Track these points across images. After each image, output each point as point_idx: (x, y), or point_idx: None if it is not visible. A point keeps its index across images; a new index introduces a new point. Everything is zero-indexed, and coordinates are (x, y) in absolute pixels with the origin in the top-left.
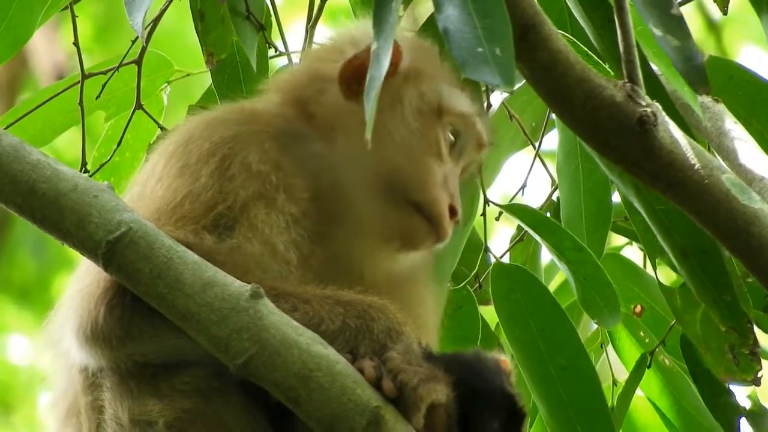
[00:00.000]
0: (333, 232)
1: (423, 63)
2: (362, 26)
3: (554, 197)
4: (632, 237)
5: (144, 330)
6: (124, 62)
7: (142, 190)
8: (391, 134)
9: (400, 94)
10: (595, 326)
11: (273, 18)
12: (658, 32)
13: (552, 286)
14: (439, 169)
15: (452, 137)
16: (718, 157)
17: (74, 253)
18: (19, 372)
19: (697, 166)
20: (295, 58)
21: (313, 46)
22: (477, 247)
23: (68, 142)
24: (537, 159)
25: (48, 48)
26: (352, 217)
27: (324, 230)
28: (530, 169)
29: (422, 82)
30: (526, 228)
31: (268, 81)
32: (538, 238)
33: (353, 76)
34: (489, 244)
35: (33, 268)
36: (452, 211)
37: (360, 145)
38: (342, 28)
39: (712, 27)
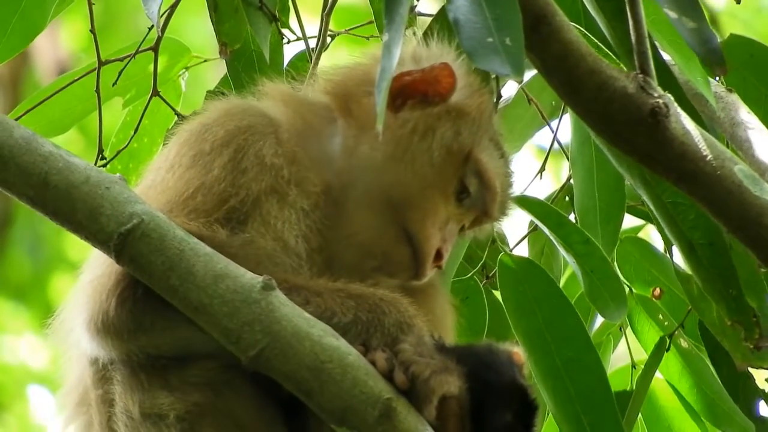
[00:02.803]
0: (333, 230)
1: (473, 107)
2: (431, 45)
3: (572, 181)
4: (649, 220)
5: (155, 322)
6: (140, 49)
7: (155, 178)
8: (412, 159)
9: (436, 124)
10: None
11: (290, 3)
12: (673, 15)
13: (565, 276)
14: (444, 211)
15: (468, 189)
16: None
17: (71, 253)
18: (13, 371)
19: (709, 157)
20: (312, 44)
21: (327, 35)
22: (497, 236)
23: (72, 139)
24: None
25: (50, 45)
26: (348, 222)
27: (329, 225)
28: (549, 151)
29: (464, 122)
30: (535, 220)
31: (323, 67)
32: (546, 230)
33: (401, 90)
34: (507, 232)
35: (29, 267)
36: (438, 255)
37: (382, 155)
38: (409, 39)
39: (711, 21)
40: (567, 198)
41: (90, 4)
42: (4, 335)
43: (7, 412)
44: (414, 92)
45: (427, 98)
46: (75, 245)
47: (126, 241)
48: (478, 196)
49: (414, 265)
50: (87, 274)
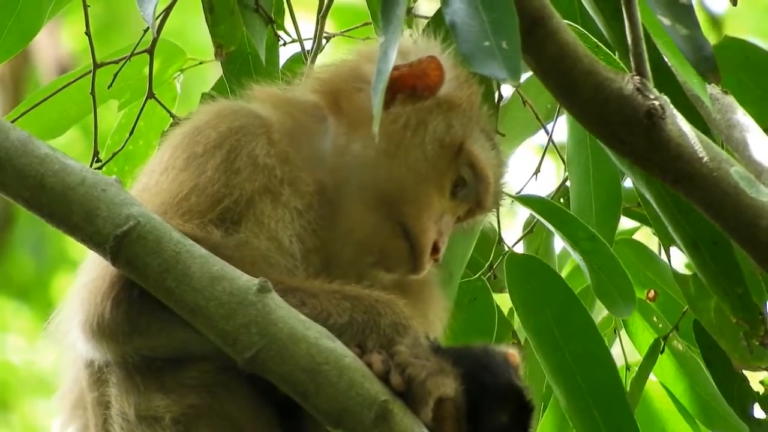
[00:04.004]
0: (329, 229)
1: (463, 98)
2: (417, 39)
3: (568, 183)
4: (644, 221)
5: (151, 324)
6: (135, 51)
7: (148, 181)
8: (406, 153)
9: (428, 118)
10: None
11: (285, 5)
12: (666, 22)
13: (564, 273)
14: (438, 204)
15: (462, 181)
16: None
17: (74, 253)
18: (18, 371)
19: (705, 159)
20: (307, 46)
21: (323, 36)
22: (491, 236)
23: (72, 140)
24: (550, 144)
25: (51, 43)
26: (344, 220)
27: (324, 225)
28: (543, 154)
29: (454, 115)
30: (539, 218)
31: (310, 70)
32: (551, 227)
33: (390, 85)
34: (503, 233)
35: (32, 267)
36: (435, 248)
37: (375, 152)
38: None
39: (714, 23)
40: (561, 200)
41: (85, 7)
42: (7, 335)
43: (10, 412)
44: (402, 87)
45: (416, 92)
46: (77, 245)
47: (122, 243)
48: (472, 187)
49: (412, 259)
50: (83, 276)
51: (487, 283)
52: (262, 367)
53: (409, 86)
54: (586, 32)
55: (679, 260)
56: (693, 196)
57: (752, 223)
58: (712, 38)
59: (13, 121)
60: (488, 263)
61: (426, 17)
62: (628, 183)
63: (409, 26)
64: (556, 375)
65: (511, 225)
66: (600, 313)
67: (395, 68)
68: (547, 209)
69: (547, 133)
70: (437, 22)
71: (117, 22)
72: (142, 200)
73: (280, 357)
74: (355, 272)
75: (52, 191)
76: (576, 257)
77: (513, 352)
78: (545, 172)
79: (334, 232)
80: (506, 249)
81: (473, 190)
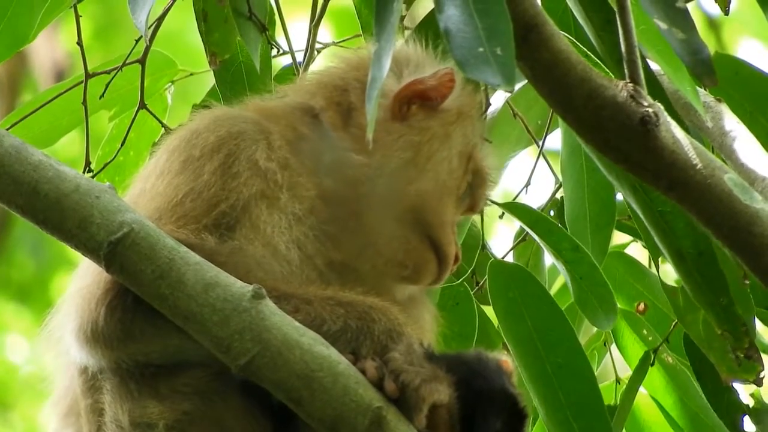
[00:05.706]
0: (342, 237)
1: (470, 107)
2: (422, 51)
3: (558, 195)
4: (636, 235)
5: (145, 330)
6: (127, 62)
7: (144, 186)
8: (436, 166)
9: (451, 130)
10: None
11: (276, 16)
12: (663, 26)
13: (556, 287)
14: (454, 213)
15: (469, 189)
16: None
17: (73, 253)
18: (18, 371)
19: (699, 166)
20: (299, 57)
21: (316, 45)
22: (476, 242)
23: (68, 142)
24: (541, 157)
25: (48, 47)
26: (367, 234)
27: (332, 231)
28: (534, 167)
29: (467, 125)
30: (524, 227)
31: (304, 78)
32: (536, 237)
33: (409, 98)
34: (493, 242)
35: (32, 267)
36: (455, 258)
37: (399, 166)
38: (399, 44)
39: (712, 25)
40: (555, 209)
41: (77, 18)
42: (7, 335)
43: (11, 412)
44: (418, 97)
45: (428, 102)
46: None
47: (116, 249)
48: (470, 192)
49: (438, 271)
50: (76, 282)
51: (469, 290)
52: (256, 373)
53: (424, 97)
54: (577, 42)
55: (670, 273)
56: (686, 203)
57: (746, 229)
58: (709, 42)
59: (7, 129)
60: (471, 269)
61: (408, 27)
62: (621, 196)
63: (400, 36)
64: (536, 385)
65: (509, 231)
66: (591, 326)
67: (420, 81)
68: (534, 219)
69: (539, 147)
70: (424, 29)
71: (117, 22)
72: (138, 205)
73: (274, 364)
74: (377, 282)
75: (46, 198)
76: (559, 267)
77: (506, 359)
78: (541, 179)
79: (354, 242)
80: (492, 256)
81: (471, 196)
